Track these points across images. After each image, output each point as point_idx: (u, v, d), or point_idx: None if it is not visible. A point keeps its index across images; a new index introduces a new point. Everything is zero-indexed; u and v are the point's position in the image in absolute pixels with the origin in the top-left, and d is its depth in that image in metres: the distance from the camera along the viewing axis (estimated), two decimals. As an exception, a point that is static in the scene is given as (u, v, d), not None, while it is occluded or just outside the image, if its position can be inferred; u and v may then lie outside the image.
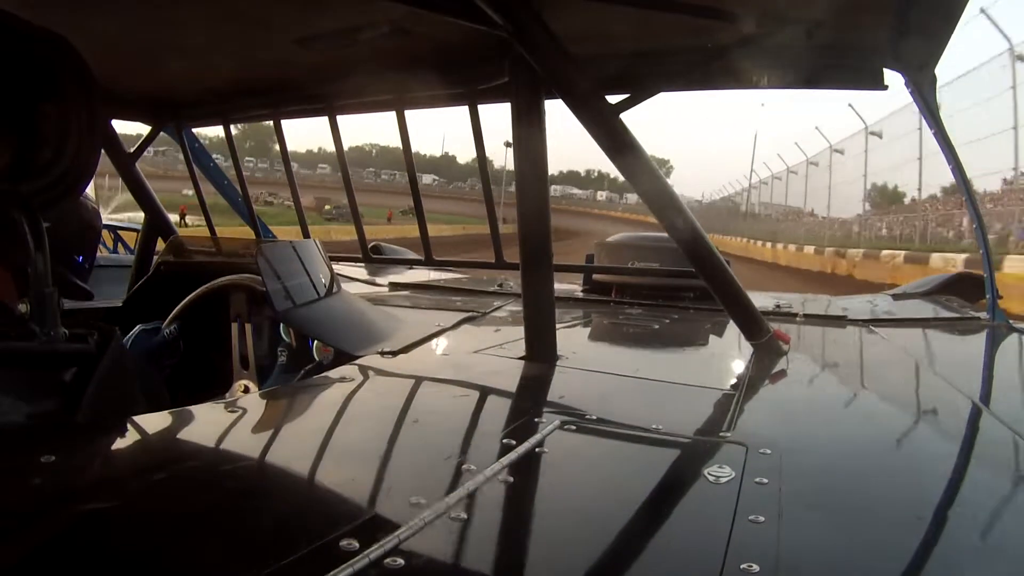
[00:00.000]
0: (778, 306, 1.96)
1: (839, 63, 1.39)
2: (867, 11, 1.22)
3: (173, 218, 2.42)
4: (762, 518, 0.61)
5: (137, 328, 1.57)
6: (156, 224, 2.25)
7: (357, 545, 0.52)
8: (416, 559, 0.52)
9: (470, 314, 1.75)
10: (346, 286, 1.73)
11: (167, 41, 1.51)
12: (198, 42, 1.51)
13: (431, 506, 0.60)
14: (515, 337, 1.36)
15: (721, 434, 0.88)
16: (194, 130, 2.44)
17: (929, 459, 0.88)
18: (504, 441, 0.79)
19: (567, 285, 2.40)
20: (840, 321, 1.87)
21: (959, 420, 1.07)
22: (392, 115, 1.86)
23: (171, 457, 0.77)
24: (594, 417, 0.91)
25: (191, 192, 2.52)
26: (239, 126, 2.18)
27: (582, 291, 2.36)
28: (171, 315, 1.55)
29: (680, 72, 1.45)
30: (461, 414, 0.97)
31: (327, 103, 1.93)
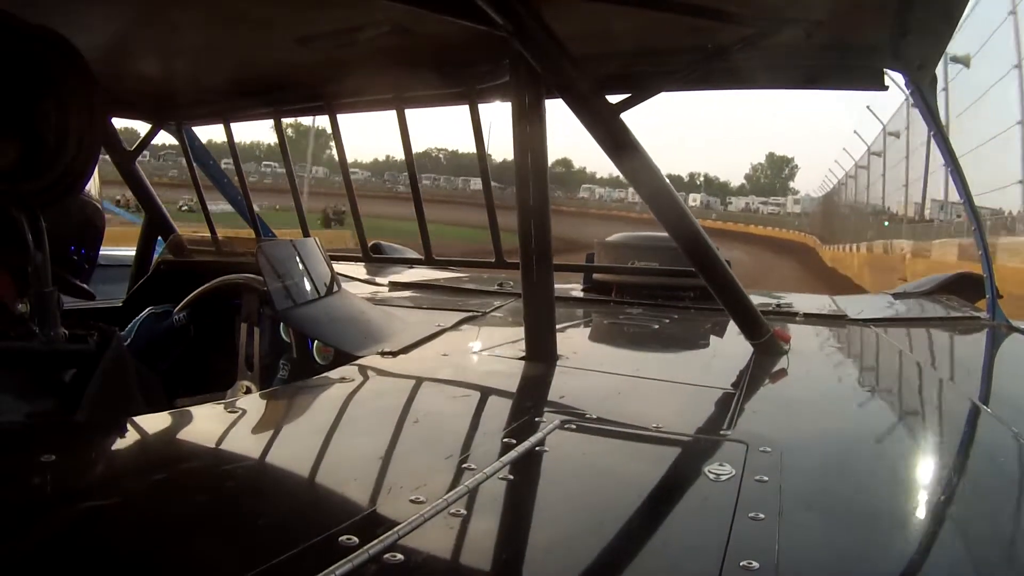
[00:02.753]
0: (778, 305, 1.96)
1: (839, 63, 1.39)
2: (867, 11, 1.22)
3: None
4: (762, 515, 0.61)
5: (147, 310, 1.57)
6: (156, 223, 2.25)
7: (357, 541, 0.52)
8: (415, 555, 0.52)
9: (470, 314, 1.75)
10: (346, 285, 1.73)
11: (167, 40, 1.51)
12: (198, 41, 1.51)
13: (431, 503, 0.60)
14: (515, 337, 1.36)
15: (721, 432, 0.88)
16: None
17: (928, 458, 0.88)
18: (504, 440, 0.79)
19: (567, 285, 2.40)
20: (840, 320, 1.87)
21: (959, 419, 1.08)
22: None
23: (171, 456, 0.77)
24: (594, 416, 0.91)
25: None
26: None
27: (582, 291, 2.36)
28: (184, 302, 1.55)
29: (680, 72, 1.45)
30: (461, 414, 0.97)
31: (327, 102, 1.93)
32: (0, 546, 0.51)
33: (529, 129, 1.28)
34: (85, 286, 0.99)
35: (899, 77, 1.40)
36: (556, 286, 1.34)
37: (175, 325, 1.54)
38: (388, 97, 1.86)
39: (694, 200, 52.95)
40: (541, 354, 1.28)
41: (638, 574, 0.55)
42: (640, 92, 1.30)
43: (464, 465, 0.71)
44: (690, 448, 0.85)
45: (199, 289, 1.54)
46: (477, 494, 0.65)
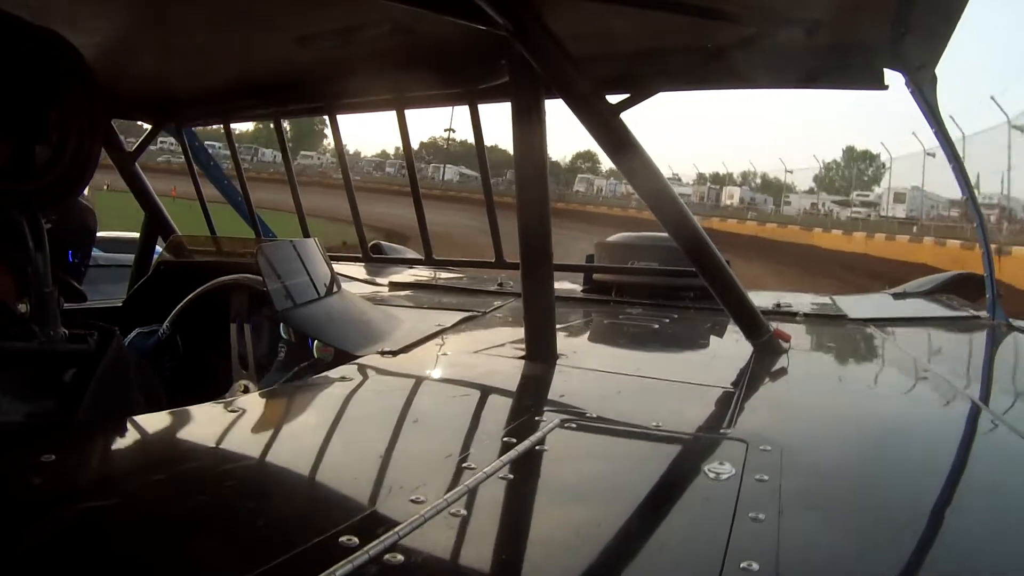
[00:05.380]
0: (778, 305, 1.96)
1: (839, 63, 1.38)
2: (867, 11, 1.22)
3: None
4: (762, 515, 0.61)
5: (134, 332, 1.56)
6: (156, 224, 2.25)
7: (357, 541, 0.52)
8: (416, 555, 0.52)
9: (470, 314, 1.75)
10: (346, 285, 1.73)
11: (167, 41, 1.51)
12: (198, 42, 1.51)
13: (431, 503, 0.60)
14: (515, 337, 1.36)
15: (721, 431, 0.88)
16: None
17: (928, 457, 0.88)
18: (504, 440, 0.79)
19: (567, 284, 2.40)
20: (840, 320, 1.87)
21: (959, 419, 1.08)
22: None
23: (171, 456, 0.77)
24: (594, 415, 0.91)
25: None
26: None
27: (582, 291, 2.36)
28: (169, 317, 1.55)
29: (680, 72, 1.45)
30: (461, 413, 0.97)
31: (327, 103, 1.93)
32: (0, 546, 0.51)
33: (529, 129, 1.28)
34: (79, 287, 0.99)
35: (899, 77, 1.40)
36: (556, 285, 1.35)
37: (161, 340, 1.54)
38: (388, 97, 1.86)
39: (730, 198, 36.84)
40: (541, 354, 1.28)
41: (638, 574, 0.55)
42: (640, 92, 1.30)
43: (464, 465, 0.71)
44: (690, 447, 0.85)
45: (182, 302, 1.54)
46: (477, 494, 0.65)
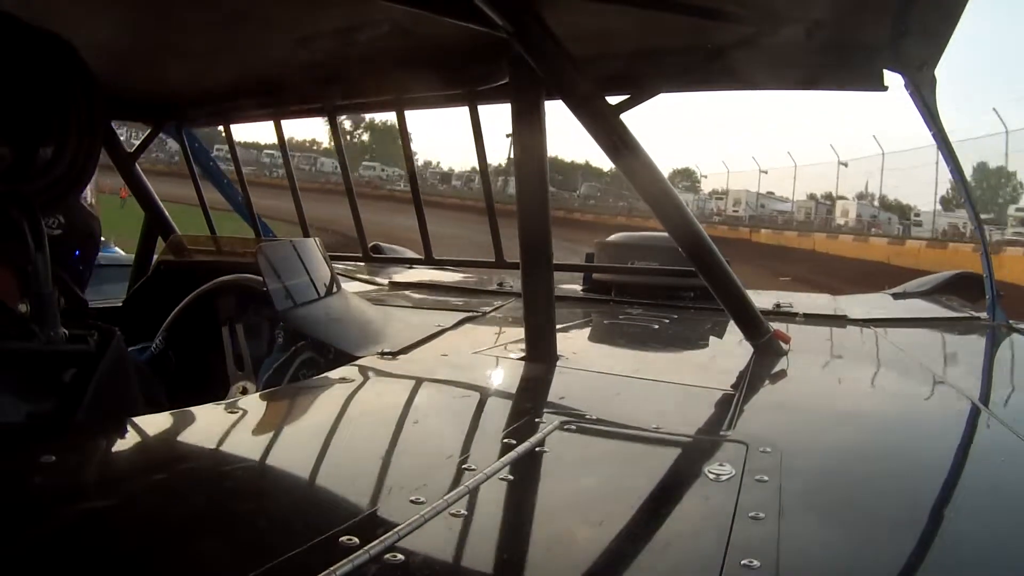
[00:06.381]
0: (778, 306, 1.96)
1: (839, 63, 1.39)
2: (867, 11, 1.22)
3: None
4: (763, 514, 0.61)
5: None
6: (156, 223, 2.25)
7: (357, 541, 0.52)
8: (416, 555, 0.52)
9: (470, 314, 1.75)
10: (346, 285, 1.73)
11: (167, 41, 1.51)
12: (198, 42, 1.51)
13: (431, 503, 0.60)
14: (515, 337, 1.36)
15: (721, 433, 0.88)
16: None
17: (928, 458, 0.88)
18: (504, 441, 0.79)
19: (567, 284, 2.40)
20: (840, 321, 1.87)
21: (959, 420, 1.07)
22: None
23: (171, 457, 0.77)
24: (594, 417, 0.91)
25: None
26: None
27: (582, 291, 2.36)
28: (161, 329, 1.54)
29: (680, 72, 1.45)
30: (461, 414, 0.97)
31: (327, 103, 1.93)
32: (0, 547, 0.51)
33: (529, 130, 1.28)
34: (81, 294, 0.99)
35: (898, 78, 1.40)
36: (556, 285, 1.35)
37: (154, 353, 1.53)
38: (388, 98, 1.87)
39: (844, 215, 29.96)
40: (541, 354, 1.28)
41: (638, 574, 0.55)
42: (640, 92, 1.31)
43: (464, 465, 0.71)
44: (690, 448, 0.85)
45: (172, 314, 1.52)
46: (477, 494, 0.65)
